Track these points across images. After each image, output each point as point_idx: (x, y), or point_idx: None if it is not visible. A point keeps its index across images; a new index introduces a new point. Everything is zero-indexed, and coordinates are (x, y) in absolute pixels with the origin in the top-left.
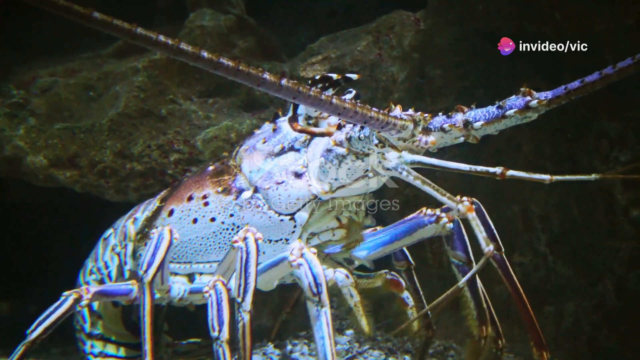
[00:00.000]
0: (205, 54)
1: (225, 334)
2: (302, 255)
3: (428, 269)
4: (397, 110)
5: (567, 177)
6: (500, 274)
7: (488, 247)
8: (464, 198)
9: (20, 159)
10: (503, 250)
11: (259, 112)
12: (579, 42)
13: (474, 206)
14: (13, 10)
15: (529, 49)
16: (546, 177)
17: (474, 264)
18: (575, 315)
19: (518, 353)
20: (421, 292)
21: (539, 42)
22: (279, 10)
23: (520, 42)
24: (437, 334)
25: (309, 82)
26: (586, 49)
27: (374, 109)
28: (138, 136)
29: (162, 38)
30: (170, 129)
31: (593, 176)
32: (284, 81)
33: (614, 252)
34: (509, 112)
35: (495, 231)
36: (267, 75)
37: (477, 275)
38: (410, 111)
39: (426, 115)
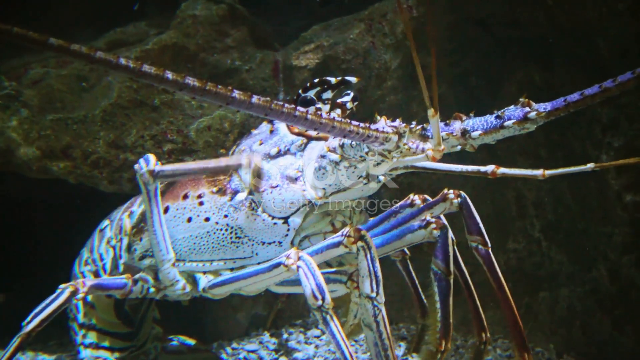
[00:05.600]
0: (170, 75)
1: (329, 301)
2: (299, 259)
3: (423, 256)
4: (382, 122)
5: (560, 170)
6: (485, 270)
7: None
8: (450, 191)
9: (12, 150)
10: (489, 245)
11: None
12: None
13: (459, 199)
14: (2, 2)
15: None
16: (539, 172)
17: (452, 275)
18: (570, 301)
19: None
20: (417, 281)
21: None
22: None
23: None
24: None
25: (307, 84)
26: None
27: (354, 122)
28: (131, 126)
29: (122, 61)
30: (163, 119)
31: (589, 166)
32: (254, 99)
33: (608, 238)
34: (507, 123)
35: (481, 225)
36: (236, 94)
37: (451, 290)
38: (397, 122)
39: (412, 125)
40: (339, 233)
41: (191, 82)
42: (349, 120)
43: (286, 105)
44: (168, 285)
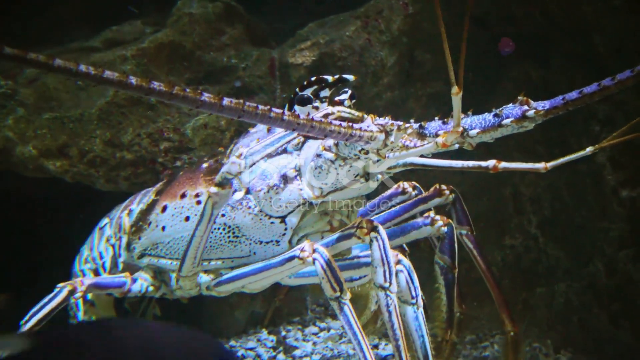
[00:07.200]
0: (134, 81)
1: (346, 291)
2: (315, 251)
3: (420, 253)
4: (368, 121)
5: (561, 160)
6: (474, 254)
7: None
8: (444, 186)
9: (9, 149)
10: (475, 233)
11: (249, 98)
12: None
13: (454, 195)
14: (0, 2)
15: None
16: (540, 165)
17: (457, 269)
18: (566, 296)
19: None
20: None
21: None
22: None
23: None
24: (430, 317)
25: (304, 83)
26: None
27: (335, 122)
28: (127, 125)
29: (82, 68)
30: (159, 117)
31: (588, 150)
32: (225, 101)
33: (604, 233)
34: (506, 122)
35: (469, 216)
36: (205, 97)
37: (455, 282)
38: (386, 119)
39: (399, 123)
40: (351, 224)
41: (157, 86)
42: (329, 120)
43: (260, 106)
44: (186, 290)
